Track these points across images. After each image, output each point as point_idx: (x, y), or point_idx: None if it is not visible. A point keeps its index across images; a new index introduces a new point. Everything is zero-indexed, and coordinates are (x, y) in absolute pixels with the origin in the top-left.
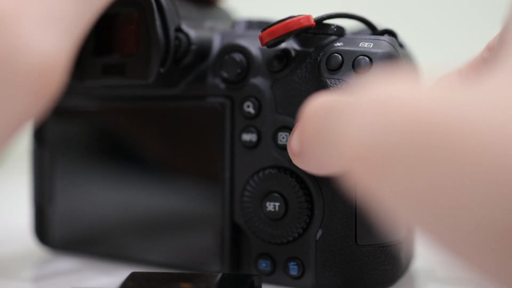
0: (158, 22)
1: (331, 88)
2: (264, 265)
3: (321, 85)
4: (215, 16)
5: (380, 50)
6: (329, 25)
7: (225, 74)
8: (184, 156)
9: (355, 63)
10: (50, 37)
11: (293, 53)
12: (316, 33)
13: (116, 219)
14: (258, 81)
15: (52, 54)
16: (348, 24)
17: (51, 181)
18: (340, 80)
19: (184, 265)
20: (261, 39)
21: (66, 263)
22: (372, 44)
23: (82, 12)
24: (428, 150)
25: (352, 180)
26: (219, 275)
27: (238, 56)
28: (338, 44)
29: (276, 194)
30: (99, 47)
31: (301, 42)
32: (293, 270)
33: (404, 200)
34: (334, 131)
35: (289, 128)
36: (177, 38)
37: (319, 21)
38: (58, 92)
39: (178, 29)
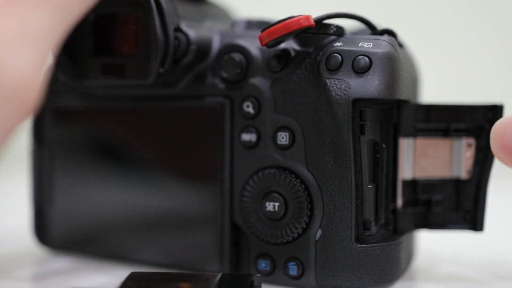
0: (157, 22)
1: (330, 88)
2: (263, 265)
3: (320, 85)
4: (215, 16)
5: (379, 50)
6: (328, 25)
7: (224, 74)
8: (184, 156)
9: (354, 63)
10: (24, 56)
11: (292, 53)
12: (316, 33)
13: (116, 219)
14: (257, 81)
15: (27, 73)
16: (347, 24)
17: (50, 181)
18: (339, 80)
19: (184, 265)
20: (260, 39)
21: (66, 263)
22: (371, 44)
23: (55, 26)
24: None
25: None
26: (219, 275)
27: (237, 56)
28: (338, 44)
29: (275, 194)
30: (98, 47)
31: (300, 42)
32: (293, 270)
33: None
34: None
35: (288, 128)
36: (176, 38)
37: (319, 21)
38: (35, 109)
39: (178, 29)
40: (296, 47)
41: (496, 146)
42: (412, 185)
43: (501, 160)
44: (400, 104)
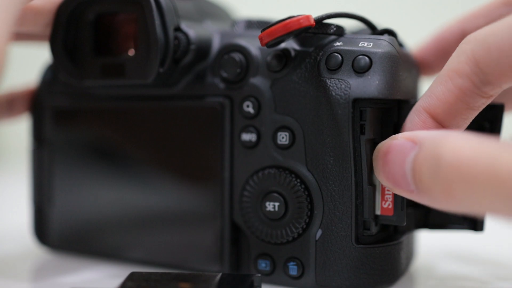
0: (157, 22)
1: (330, 87)
2: (263, 265)
3: (320, 85)
4: (215, 15)
5: (380, 50)
6: (328, 24)
7: (224, 74)
8: (184, 156)
9: (354, 62)
10: None
11: (292, 53)
12: (316, 32)
13: (116, 219)
14: (257, 81)
15: None
16: (348, 24)
17: (50, 181)
18: (339, 80)
19: (184, 265)
20: (261, 39)
21: (65, 262)
22: (372, 43)
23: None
24: None
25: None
26: (219, 275)
27: (237, 56)
28: (338, 43)
29: (275, 194)
30: (98, 47)
31: (300, 42)
32: (293, 270)
33: None
34: None
35: (288, 128)
36: (176, 37)
37: (319, 21)
38: (2, 77)
39: (178, 29)
40: (296, 47)
41: (382, 177)
42: None
43: (388, 188)
44: (400, 104)
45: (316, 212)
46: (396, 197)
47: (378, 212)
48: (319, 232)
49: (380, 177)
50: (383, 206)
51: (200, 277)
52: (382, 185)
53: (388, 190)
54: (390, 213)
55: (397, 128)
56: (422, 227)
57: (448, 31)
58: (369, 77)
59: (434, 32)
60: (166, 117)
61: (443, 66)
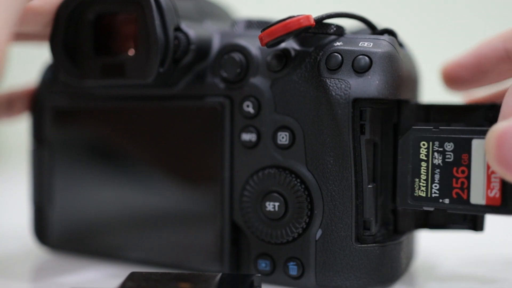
0: (157, 22)
1: (330, 87)
2: (263, 265)
3: (320, 85)
4: (215, 15)
5: (380, 50)
6: (328, 24)
7: (224, 74)
8: (184, 156)
9: (354, 62)
10: None
11: (292, 52)
12: (316, 32)
13: (116, 219)
14: (257, 80)
15: None
16: (347, 24)
17: (50, 181)
18: (339, 80)
19: (184, 265)
20: (261, 39)
21: (65, 262)
22: (372, 43)
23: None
24: None
25: None
26: (219, 275)
27: (237, 56)
28: (338, 43)
29: (275, 194)
30: (98, 47)
31: (300, 42)
32: (293, 270)
33: None
34: None
35: (288, 128)
36: (176, 37)
37: (319, 20)
38: (2, 78)
39: (178, 29)
40: (296, 46)
41: (493, 160)
42: None
43: (499, 173)
44: (400, 104)
45: (316, 212)
46: (505, 184)
47: (483, 202)
48: (319, 232)
49: (492, 161)
50: (489, 195)
51: (200, 277)
52: (488, 171)
53: (495, 177)
54: (497, 203)
55: (397, 128)
56: (422, 227)
57: (489, 48)
58: (369, 77)
59: (472, 48)
60: (166, 117)
61: (479, 83)
